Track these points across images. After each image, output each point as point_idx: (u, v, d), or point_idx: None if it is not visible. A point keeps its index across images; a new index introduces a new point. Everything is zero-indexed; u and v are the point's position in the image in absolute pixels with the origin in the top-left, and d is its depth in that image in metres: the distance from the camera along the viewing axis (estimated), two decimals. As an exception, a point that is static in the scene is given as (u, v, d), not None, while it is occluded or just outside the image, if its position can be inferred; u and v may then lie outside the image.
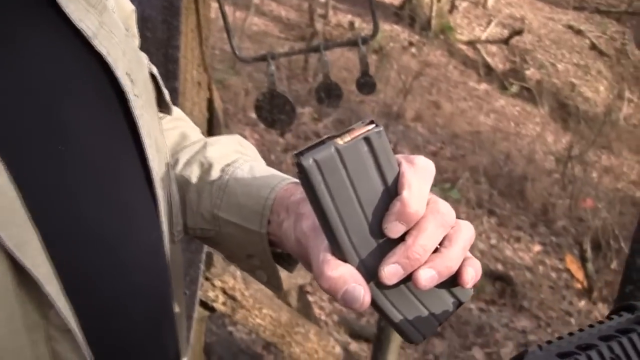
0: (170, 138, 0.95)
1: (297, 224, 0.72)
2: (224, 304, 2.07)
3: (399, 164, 0.63)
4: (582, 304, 4.28)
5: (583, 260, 4.43)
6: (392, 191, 0.63)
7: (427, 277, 0.62)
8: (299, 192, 0.77)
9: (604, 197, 5.60)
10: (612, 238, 4.78)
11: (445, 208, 0.63)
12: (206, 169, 0.89)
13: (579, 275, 4.47)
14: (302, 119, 5.19)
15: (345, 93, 2.47)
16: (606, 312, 4.24)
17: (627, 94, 7.23)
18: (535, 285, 4.25)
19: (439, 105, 6.35)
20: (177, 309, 0.85)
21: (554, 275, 4.50)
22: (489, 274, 4.13)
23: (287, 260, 0.86)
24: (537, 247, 4.76)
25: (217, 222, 0.86)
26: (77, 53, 0.67)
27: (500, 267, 4.36)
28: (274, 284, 0.89)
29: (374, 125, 0.62)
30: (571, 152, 5.75)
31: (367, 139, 0.61)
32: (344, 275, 0.62)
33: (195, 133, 0.99)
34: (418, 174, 0.63)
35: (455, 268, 0.64)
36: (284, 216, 0.78)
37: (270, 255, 0.83)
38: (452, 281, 0.66)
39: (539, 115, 6.80)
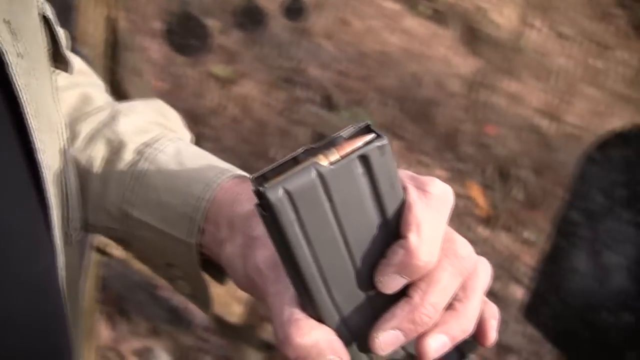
0: (67, 101, 0.72)
1: (249, 255, 0.53)
2: (118, 248, 1.87)
3: (405, 189, 0.46)
4: (485, 231, 4.26)
5: (488, 188, 4.39)
6: (393, 228, 0.46)
7: (437, 346, 0.47)
8: (248, 197, 0.57)
9: (508, 124, 5.59)
10: (516, 166, 4.77)
11: (464, 249, 0.48)
12: (115, 148, 0.67)
13: (482, 202, 4.45)
14: (216, 54, 4.81)
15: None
16: (508, 240, 4.25)
17: (534, 21, 7.21)
18: (439, 211, 4.19)
19: (349, 23, 6.14)
20: (71, 335, 0.62)
21: (458, 202, 4.45)
22: (393, 199, 4.05)
23: (220, 268, 0.65)
24: (443, 173, 4.71)
25: (128, 221, 0.65)
26: None
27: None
28: (202, 301, 0.67)
29: (372, 135, 0.44)
30: (478, 78, 5.69)
31: (364, 158, 0.45)
32: (319, 343, 0.45)
33: (100, 94, 0.75)
34: (431, 208, 0.46)
35: (473, 329, 0.48)
36: (225, 234, 0.58)
37: (199, 271, 0.63)
38: None
39: (448, 38, 6.70)
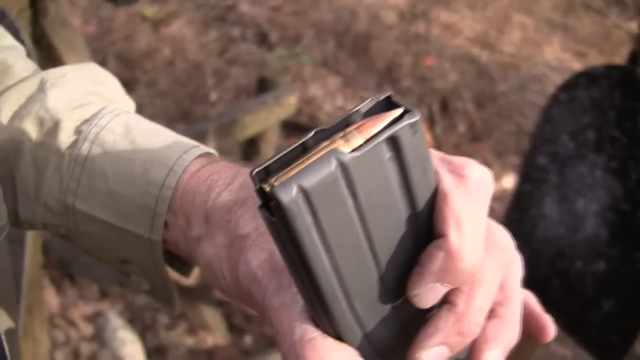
0: None
1: (238, 258, 0.43)
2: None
3: (437, 175, 0.37)
4: (428, 167, 4.25)
5: (431, 122, 4.37)
6: (425, 224, 0.37)
7: None
8: (225, 182, 0.47)
9: (446, 56, 5.55)
10: (457, 98, 4.75)
11: (505, 238, 0.41)
12: (48, 128, 0.54)
13: (426, 136, 4.43)
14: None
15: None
16: (452, 175, 4.25)
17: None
18: (382, 148, 4.16)
19: (279, -45, 5.98)
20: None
21: (400, 137, 4.43)
22: (336, 139, 3.99)
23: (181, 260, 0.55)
24: (383, 109, 4.66)
25: (71, 216, 0.53)
26: None
27: (346, 130, 4.23)
28: (165, 299, 0.57)
29: (400, 110, 0.35)
30: (412, 9, 5.62)
31: (392, 140, 0.36)
32: None
33: (20, 59, 0.61)
34: (470, 197, 0.37)
35: (518, 335, 0.42)
36: (200, 230, 0.48)
37: (164, 270, 0.53)
38: None
39: (380, -32, 6.58)
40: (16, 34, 0.71)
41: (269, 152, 2.31)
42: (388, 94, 0.38)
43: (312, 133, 0.37)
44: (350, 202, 0.36)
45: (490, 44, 5.97)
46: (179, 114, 3.61)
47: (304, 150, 0.36)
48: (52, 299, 2.19)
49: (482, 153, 4.42)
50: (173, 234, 0.52)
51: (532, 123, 3.37)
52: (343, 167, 0.35)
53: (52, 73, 0.59)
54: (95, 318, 2.16)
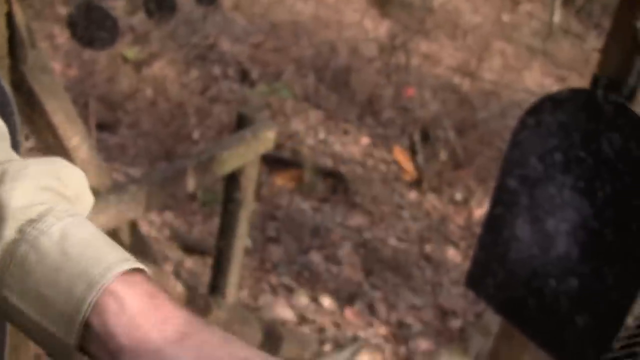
0: None
1: None
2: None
3: None
4: (413, 195, 4.27)
5: (412, 151, 4.40)
6: None
7: None
8: (155, 320, 0.55)
9: (426, 85, 5.61)
10: (438, 127, 4.80)
11: None
12: None
13: (408, 166, 4.46)
14: (126, 36, 4.63)
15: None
16: (436, 202, 4.27)
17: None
18: (366, 179, 4.19)
19: (258, -6, 6.05)
20: None
21: (383, 167, 4.46)
22: (320, 171, 4.01)
23: None
24: (365, 140, 4.69)
25: (4, 305, 0.58)
26: None
27: (330, 162, 4.26)
28: None
29: None
30: (392, 41, 5.68)
31: None
32: None
33: None
34: None
35: None
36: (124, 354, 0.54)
37: None
38: None
39: (358, 1, 6.67)
40: None
41: (250, 186, 2.34)
42: None
43: None
44: None
45: (470, 72, 6.04)
46: (162, 153, 3.63)
47: None
48: (29, 347, 2.19)
49: (465, 180, 4.46)
50: (93, 346, 0.56)
51: (510, 148, 3.40)
52: None
53: (15, 165, 0.62)
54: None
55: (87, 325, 0.56)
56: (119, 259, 0.58)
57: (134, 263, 0.59)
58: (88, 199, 0.67)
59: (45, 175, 0.62)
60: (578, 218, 1.51)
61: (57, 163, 0.65)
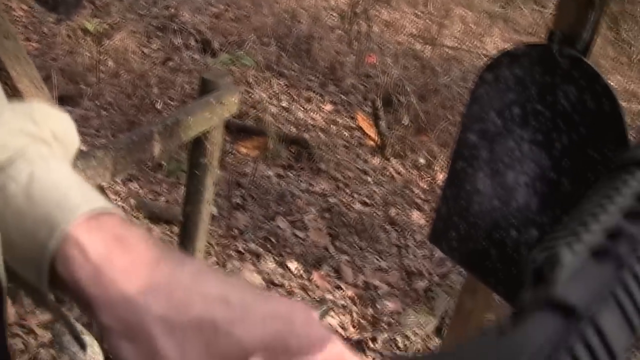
0: None
1: None
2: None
3: None
4: (377, 160, 4.31)
5: (375, 117, 4.43)
6: None
7: None
8: (124, 264, 0.52)
9: (388, 53, 5.63)
10: (400, 93, 4.82)
11: None
12: None
13: (371, 132, 4.49)
14: (87, 8, 4.61)
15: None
16: (399, 167, 4.32)
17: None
18: (330, 146, 4.21)
19: (218, -37, 6.01)
20: None
21: (346, 134, 4.49)
22: (283, 138, 4.02)
23: None
24: (329, 107, 4.71)
25: None
26: None
27: (293, 129, 4.27)
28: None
29: None
30: (353, 8, 5.68)
31: None
32: None
33: None
34: None
35: None
36: (96, 303, 0.51)
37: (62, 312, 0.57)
38: None
39: (319, -30, 6.64)
40: None
41: (215, 151, 2.35)
42: None
43: None
44: None
45: (432, 39, 6.07)
46: (126, 124, 3.62)
47: None
48: (8, 309, 2.20)
49: (427, 144, 4.50)
50: (67, 288, 0.54)
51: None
52: None
53: None
54: (52, 324, 2.18)
55: (56, 273, 0.53)
56: (85, 200, 0.55)
57: (102, 203, 0.56)
58: (71, 141, 0.64)
59: (20, 119, 0.60)
60: (537, 170, 1.55)
61: (34, 106, 0.62)
